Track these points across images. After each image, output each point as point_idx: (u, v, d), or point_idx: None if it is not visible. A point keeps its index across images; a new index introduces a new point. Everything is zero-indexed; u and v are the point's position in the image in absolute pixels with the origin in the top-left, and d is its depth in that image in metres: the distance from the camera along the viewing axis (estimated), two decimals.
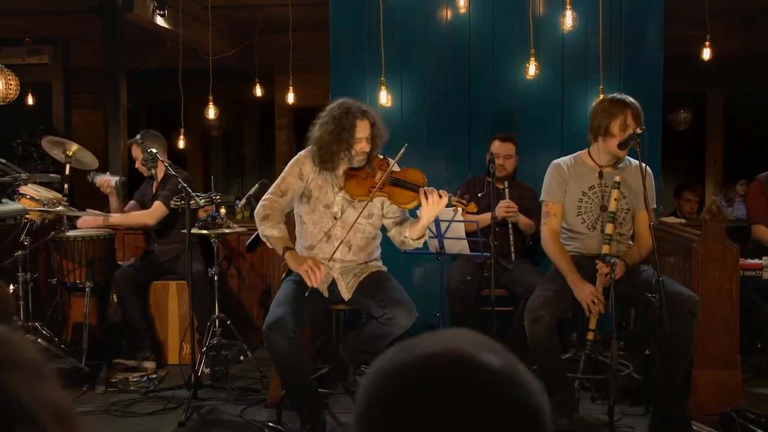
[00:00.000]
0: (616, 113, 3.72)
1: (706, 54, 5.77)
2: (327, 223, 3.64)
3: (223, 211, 6.87)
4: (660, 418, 3.60)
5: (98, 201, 6.01)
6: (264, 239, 3.67)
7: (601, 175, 3.89)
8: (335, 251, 3.55)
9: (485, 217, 4.50)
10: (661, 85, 5.18)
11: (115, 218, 4.95)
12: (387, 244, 4.05)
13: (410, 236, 3.58)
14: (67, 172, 4.63)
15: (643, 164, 3.63)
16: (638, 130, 3.61)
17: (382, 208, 3.70)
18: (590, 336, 3.73)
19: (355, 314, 3.93)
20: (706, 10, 5.66)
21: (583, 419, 3.86)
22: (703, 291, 3.85)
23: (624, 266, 3.74)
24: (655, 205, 4.04)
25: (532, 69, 5.00)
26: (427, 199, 3.38)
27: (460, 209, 3.48)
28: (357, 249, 3.68)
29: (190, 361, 4.31)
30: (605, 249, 3.77)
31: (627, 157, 3.93)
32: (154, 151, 4.35)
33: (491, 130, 5.05)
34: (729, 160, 9.40)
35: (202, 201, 4.22)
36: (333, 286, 3.65)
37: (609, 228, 3.77)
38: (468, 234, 4.43)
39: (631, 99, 3.82)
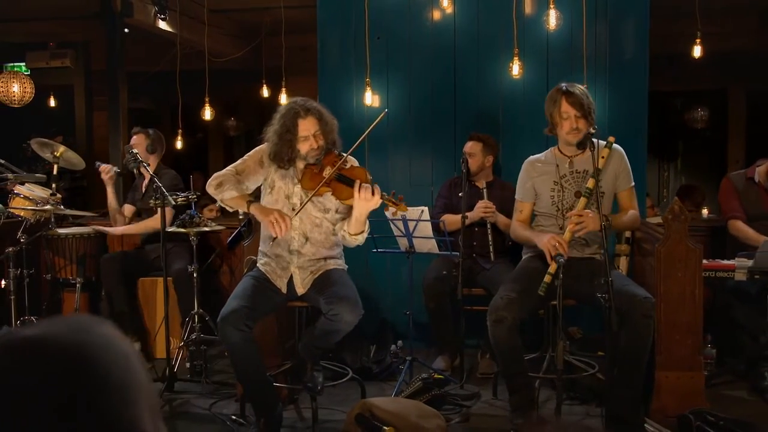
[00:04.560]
0: (555, 101, 3.84)
1: (697, 51, 5.67)
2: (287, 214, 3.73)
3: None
4: (614, 419, 3.59)
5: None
6: (224, 205, 3.76)
7: (571, 164, 3.93)
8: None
9: (458, 219, 4.54)
10: (647, 82, 5.12)
11: (129, 228, 5.22)
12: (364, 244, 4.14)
13: (347, 230, 3.65)
14: (55, 172, 4.81)
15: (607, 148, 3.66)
16: (591, 130, 3.60)
17: (336, 203, 3.77)
18: (547, 279, 3.63)
19: (319, 312, 4.01)
20: (696, 4, 5.56)
21: (545, 419, 3.86)
22: (666, 292, 3.82)
23: (599, 221, 3.65)
24: (633, 183, 4.02)
25: (515, 69, 5.01)
26: (360, 193, 3.45)
27: (392, 208, 3.53)
28: (315, 242, 3.75)
29: (173, 356, 4.48)
30: (582, 202, 3.75)
31: (596, 140, 3.89)
32: (136, 152, 4.49)
33: (476, 129, 5.06)
34: (751, 160, 9.14)
35: (179, 200, 4.35)
36: (290, 282, 3.74)
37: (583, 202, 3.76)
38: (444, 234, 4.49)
39: (571, 87, 3.86)
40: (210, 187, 3.71)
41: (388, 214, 4.34)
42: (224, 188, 3.66)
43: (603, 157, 3.81)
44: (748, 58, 8.29)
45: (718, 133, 9.62)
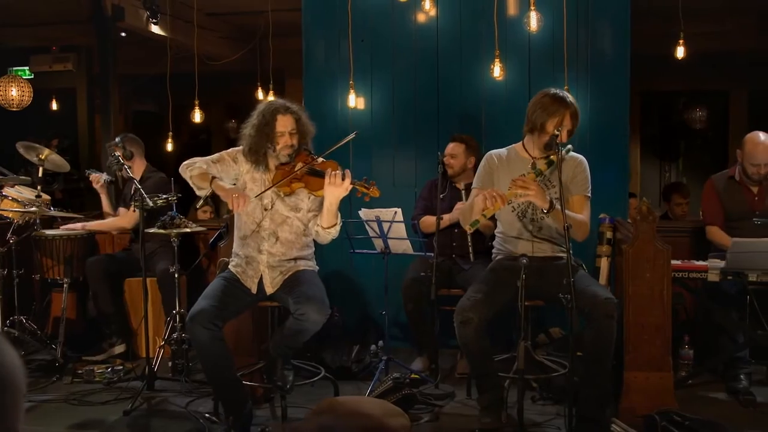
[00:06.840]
0: (555, 112, 3.68)
1: (680, 52, 5.64)
2: (258, 215, 3.82)
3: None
4: (580, 418, 3.60)
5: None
6: (192, 185, 3.83)
7: (533, 165, 3.87)
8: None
9: (433, 220, 4.59)
10: (628, 84, 5.13)
11: (95, 225, 5.27)
12: (337, 244, 4.20)
13: (320, 224, 3.71)
14: (40, 174, 4.90)
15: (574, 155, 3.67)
16: (555, 132, 3.61)
17: (309, 202, 3.82)
18: (480, 217, 3.54)
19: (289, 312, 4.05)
20: (680, 6, 5.54)
21: (513, 418, 3.87)
22: (634, 292, 3.83)
23: (545, 199, 3.57)
24: (588, 193, 3.89)
25: (497, 70, 5.02)
26: (329, 179, 3.54)
27: (363, 191, 3.61)
28: (285, 241, 3.81)
29: (154, 355, 4.55)
30: (531, 176, 3.65)
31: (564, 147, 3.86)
32: (118, 154, 4.57)
33: (459, 130, 5.11)
34: None
35: (159, 202, 4.42)
36: (260, 282, 3.80)
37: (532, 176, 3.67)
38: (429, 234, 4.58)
39: (571, 98, 3.78)
40: (183, 167, 3.83)
41: (362, 215, 4.40)
42: (193, 167, 3.79)
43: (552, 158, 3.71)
44: (749, 58, 8.26)
45: (720, 134, 9.59)
